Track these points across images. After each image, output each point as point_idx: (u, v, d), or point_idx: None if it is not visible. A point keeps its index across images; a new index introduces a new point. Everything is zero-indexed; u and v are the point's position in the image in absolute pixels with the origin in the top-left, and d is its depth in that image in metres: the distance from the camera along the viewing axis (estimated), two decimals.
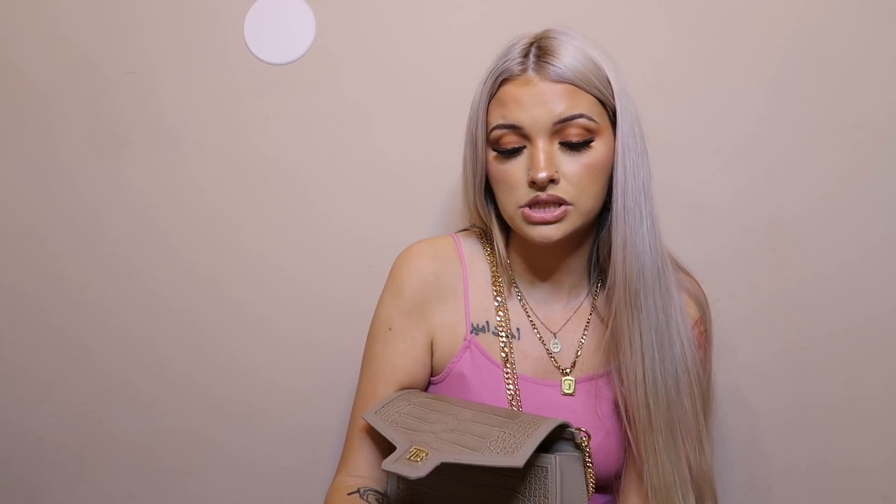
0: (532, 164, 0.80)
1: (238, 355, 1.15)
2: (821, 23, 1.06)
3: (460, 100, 0.92)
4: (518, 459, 0.70)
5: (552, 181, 0.80)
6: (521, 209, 0.82)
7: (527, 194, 0.81)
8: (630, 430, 0.84)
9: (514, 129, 0.81)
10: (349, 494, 0.83)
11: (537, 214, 0.81)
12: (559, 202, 0.81)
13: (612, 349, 0.85)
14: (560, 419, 0.77)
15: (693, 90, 1.08)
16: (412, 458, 0.72)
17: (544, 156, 0.80)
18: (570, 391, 0.88)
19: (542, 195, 0.80)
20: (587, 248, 0.90)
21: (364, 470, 0.88)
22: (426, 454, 0.72)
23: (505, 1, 1.10)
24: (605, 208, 0.85)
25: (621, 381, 0.84)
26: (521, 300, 0.91)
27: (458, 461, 0.71)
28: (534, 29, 0.86)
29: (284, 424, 1.15)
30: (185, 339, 1.15)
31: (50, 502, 1.18)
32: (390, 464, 0.72)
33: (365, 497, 0.81)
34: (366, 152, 1.12)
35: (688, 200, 1.08)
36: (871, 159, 1.05)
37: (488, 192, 0.90)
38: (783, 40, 1.06)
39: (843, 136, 1.06)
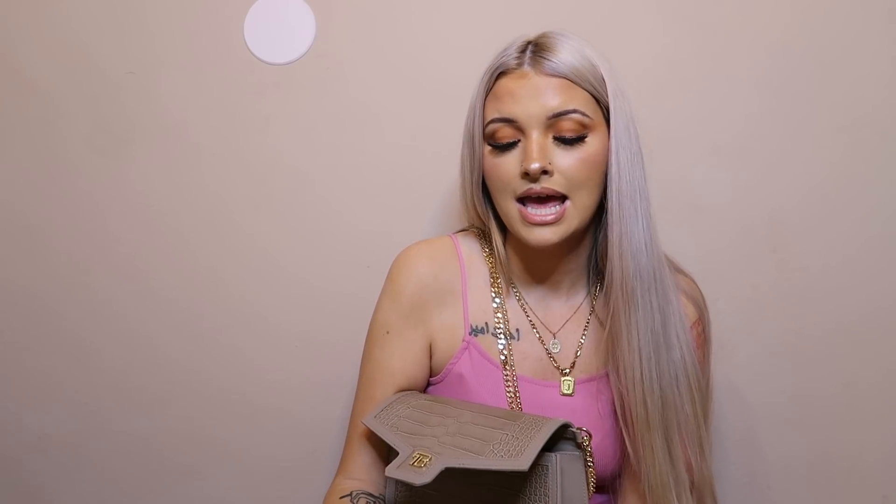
0: (525, 156, 0.81)
1: (240, 353, 1.15)
2: (819, 21, 1.06)
3: (460, 100, 0.92)
4: (522, 462, 0.70)
5: (545, 173, 0.80)
6: (519, 208, 0.82)
7: (521, 186, 0.81)
8: (626, 428, 0.84)
9: (509, 122, 0.82)
10: (341, 498, 0.84)
11: (537, 216, 0.81)
12: (554, 195, 0.81)
13: (610, 348, 0.85)
14: (562, 419, 0.77)
15: (692, 89, 1.08)
16: (416, 463, 0.71)
17: (537, 147, 0.80)
18: (569, 391, 0.88)
19: (536, 187, 0.80)
20: (585, 249, 0.90)
21: (362, 473, 0.88)
22: (429, 459, 0.72)
23: (503, 2, 1.10)
24: (603, 210, 0.85)
25: (618, 380, 0.84)
26: (519, 300, 0.91)
27: (462, 466, 0.71)
28: (531, 28, 0.86)
29: (286, 422, 1.15)
30: (186, 337, 1.15)
31: (51, 501, 1.18)
32: (394, 470, 0.72)
33: (356, 501, 0.81)
34: (365, 152, 1.12)
35: (687, 200, 1.08)
36: (870, 158, 1.05)
37: (486, 190, 0.90)
38: (781, 39, 1.06)
39: (843, 134, 1.06)
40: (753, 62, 1.07)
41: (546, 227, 0.81)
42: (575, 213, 0.82)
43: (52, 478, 1.17)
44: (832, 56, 1.06)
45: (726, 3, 1.07)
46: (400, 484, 0.84)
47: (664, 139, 1.06)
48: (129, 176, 1.14)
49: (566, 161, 0.81)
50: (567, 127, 0.81)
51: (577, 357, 0.90)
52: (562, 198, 0.82)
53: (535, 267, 0.90)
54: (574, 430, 0.78)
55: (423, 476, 0.69)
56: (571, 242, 0.87)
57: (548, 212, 0.81)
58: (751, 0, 1.06)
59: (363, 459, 0.88)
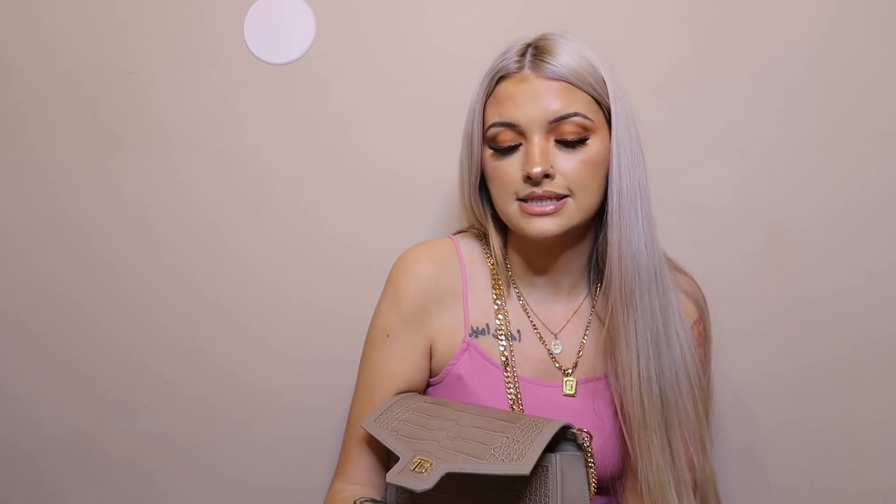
0: (527, 160, 0.81)
1: (234, 360, 1.14)
2: (822, 23, 1.05)
3: (460, 101, 0.92)
4: (524, 467, 0.70)
5: (547, 176, 0.80)
6: (519, 204, 0.82)
7: (523, 189, 0.82)
8: (625, 428, 0.84)
9: (510, 126, 0.82)
10: None
11: (536, 207, 0.81)
12: (556, 197, 0.81)
13: (609, 348, 0.85)
14: (562, 421, 0.77)
15: (694, 91, 1.08)
16: (416, 469, 0.71)
17: (539, 151, 0.80)
18: (571, 392, 0.88)
19: (538, 190, 0.81)
20: (585, 249, 0.90)
21: (363, 477, 0.88)
22: (430, 464, 0.71)
23: (504, 2, 1.09)
24: (603, 210, 0.85)
25: (616, 380, 0.84)
26: (520, 300, 0.91)
27: (463, 471, 0.71)
28: (533, 31, 0.86)
29: (282, 430, 1.14)
30: (180, 342, 1.14)
31: None
32: (395, 476, 0.72)
33: None
34: (365, 152, 1.12)
35: (688, 201, 1.08)
36: (872, 160, 1.05)
37: (484, 192, 0.90)
38: (785, 41, 1.06)
39: (845, 136, 1.05)
40: (756, 64, 1.06)
41: (546, 218, 0.81)
42: (576, 209, 0.82)
43: (40, 492, 1.16)
44: (836, 58, 1.05)
45: (727, 3, 1.07)
46: (401, 487, 0.84)
47: (666, 140, 1.06)
48: (126, 176, 1.14)
49: (568, 164, 0.81)
50: (568, 130, 0.81)
51: (579, 357, 0.90)
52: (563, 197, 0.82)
53: (537, 265, 0.90)
54: (575, 431, 0.78)
55: (424, 482, 0.69)
56: (572, 239, 0.87)
57: (547, 203, 0.81)
58: (755, 2, 1.06)
59: (363, 463, 0.88)
